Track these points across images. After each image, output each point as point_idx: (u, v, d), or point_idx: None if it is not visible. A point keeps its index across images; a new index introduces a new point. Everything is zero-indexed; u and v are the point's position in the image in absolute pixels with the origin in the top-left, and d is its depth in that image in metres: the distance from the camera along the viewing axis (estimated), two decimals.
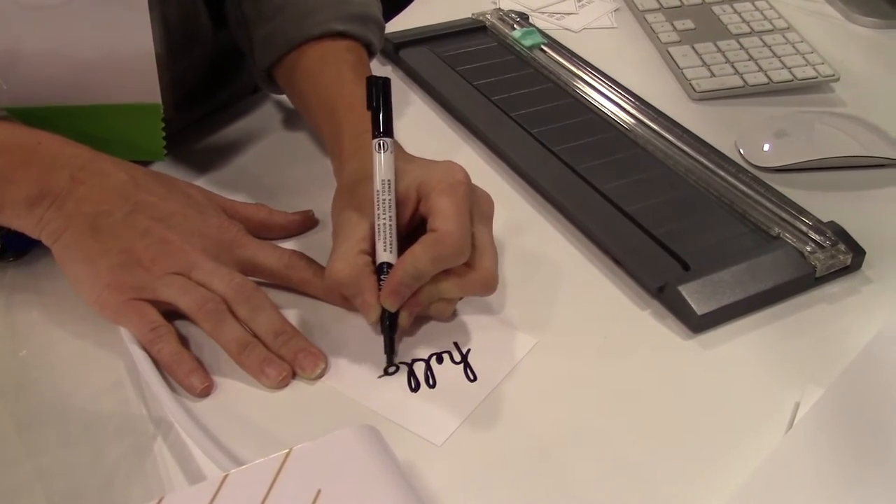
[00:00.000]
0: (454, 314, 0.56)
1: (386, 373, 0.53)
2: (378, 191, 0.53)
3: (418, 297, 0.53)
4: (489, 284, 0.53)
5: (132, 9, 0.57)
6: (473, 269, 0.53)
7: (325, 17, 0.67)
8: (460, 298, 0.56)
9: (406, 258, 0.51)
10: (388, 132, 0.55)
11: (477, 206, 0.54)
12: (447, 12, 0.93)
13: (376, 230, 0.53)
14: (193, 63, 0.72)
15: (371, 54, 0.70)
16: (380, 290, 0.52)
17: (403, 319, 0.53)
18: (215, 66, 0.75)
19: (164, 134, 0.62)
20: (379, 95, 0.56)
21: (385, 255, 0.53)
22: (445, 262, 0.52)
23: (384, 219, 0.53)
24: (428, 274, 0.52)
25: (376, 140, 0.55)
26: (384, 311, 0.52)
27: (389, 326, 0.53)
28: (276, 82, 0.71)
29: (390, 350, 0.53)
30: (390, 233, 0.53)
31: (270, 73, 0.70)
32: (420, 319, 0.56)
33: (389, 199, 0.53)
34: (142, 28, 0.58)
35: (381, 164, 0.54)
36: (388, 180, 0.54)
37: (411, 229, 0.55)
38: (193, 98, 0.74)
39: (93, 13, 0.57)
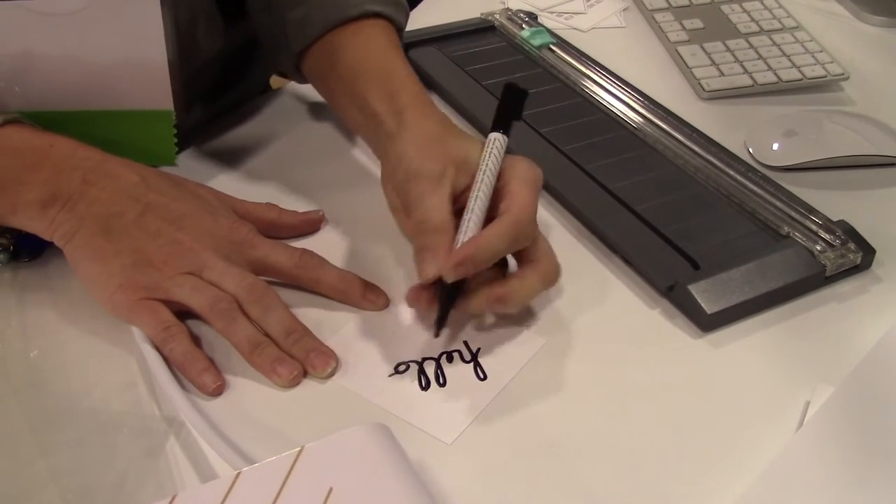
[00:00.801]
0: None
1: (397, 371, 0.53)
2: (481, 176, 0.54)
3: (508, 294, 0.54)
4: (559, 273, 0.55)
5: (145, 16, 0.58)
6: (543, 262, 0.54)
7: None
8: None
9: (485, 234, 0.52)
10: (507, 133, 0.57)
11: None
12: (456, 12, 0.93)
13: (468, 209, 0.53)
14: (204, 65, 0.72)
15: (400, 39, 0.70)
16: None
17: (476, 305, 0.54)
18: (225, 66, 0.75)
19: (175, 140, 0.62)
20: (520, 104, 0.58)
21: (467, 230, 0.53)
22: (519, 243, 0.53)
23: (477, 203, 0.53)
24: (500, 254, 0.52)
25: (496, 133, 0.56)
26: (442, 283, 0.52)
27: (448, 297, 0.53)
28: (300, 70, 0.70)
29: (440, 323, 0.53)
30: (479, 216, 0.53)
31: (298, 59, 0.69)
32: (430, 318, 0.56)
33: (490, 186, 0.54)
34: (154, 35, 0.58)
35: (494, 153, 0.55)
36: (493, 168, 0.55)
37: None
38: (203, 99, 0.74)
39: (106, 20, 0.58)
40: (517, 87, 0.58)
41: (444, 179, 0.54)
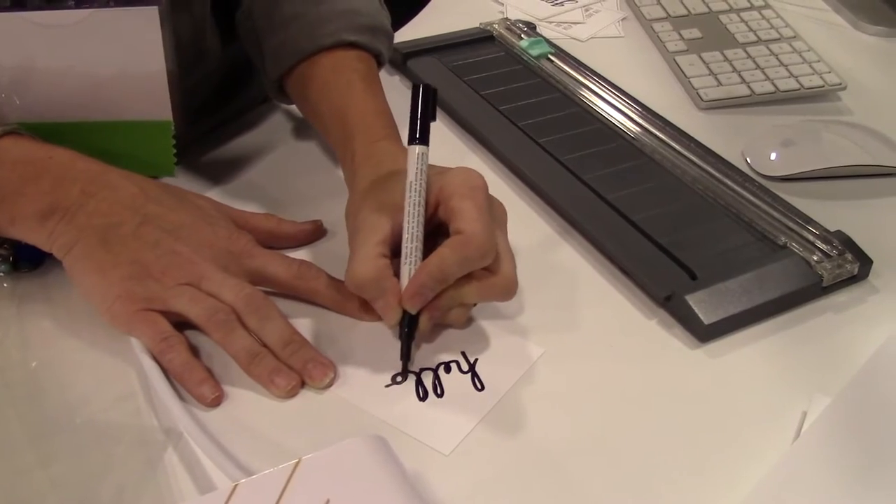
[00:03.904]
0: (469, 321, 0.57)
1: (394, 382, 0.53)
2: (410, 195, 0.53)
3: (439, 302, 0.53)
4: (509, 289, 0.54)
5: (145, 28, 0.58)
6: (494, 274, 0.53)
7: (336, 28, 0.67)
8: (475, 304, 0.56)
9: (431, 260, 0.52)
10: (425, 140, 0.55)
11: (492, 213, 0.54)
12: (455, 22, 0.94)
13: (405, 233, 0.53)
14: (204, 76, 0.73)
15: (380, 64, 0.71)
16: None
17: (423, 324, 0.53)
18: (225, 78, 0.76)
19: (174, 151, 0.63)
20: (427, 103, 0.56)
21: (411, 258, 0.53)
22: (472, 263, 0.52)
23: (413, 223, 0.53)
24: (453, 276, 0.52)
25: (413, 146, 0.55)
26: (404, 314, 0.53)
27: (408, 332, 0.53)
28: (286, 93, 0.71)
29: (406, 356, 0.53)
30: (419, 237, 0.53)
31: (281, 83, 0.71)
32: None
33: (420, 203, 0.53)
34: (154, 47, 0.59)
35: (416, 169, 0.54)
36: (421, 184, 0.54)
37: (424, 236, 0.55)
38: (203, 110, 0.74)
39: (106, 32, 0.58)
40: (428, 86, 0.57)
41: (375, 231, 0.53)
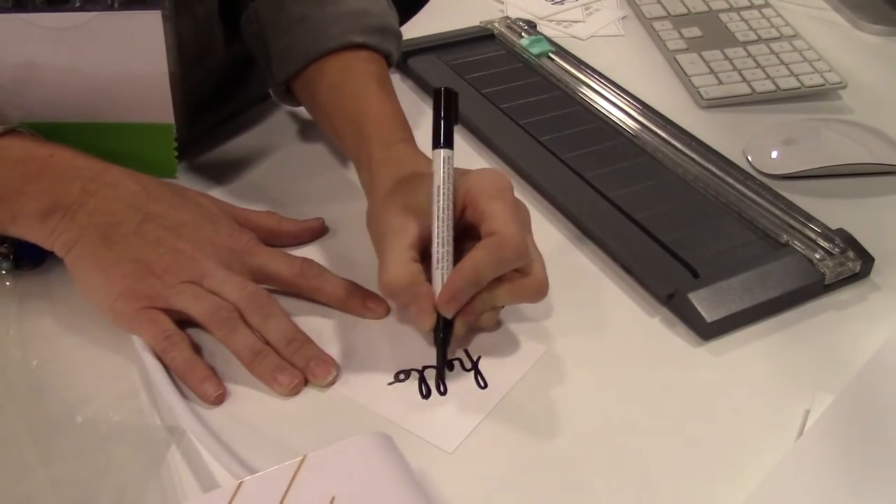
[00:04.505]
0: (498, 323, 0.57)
1: (397, 379, 0.53)
2: (438, 199, 0.53)
3: (473, 306, 0.53)
4: (541, 290, 0.53)
5: (148, 31, 0.58)
6: (526, 276, 0.53)
7: (344, 30, 0.67)
8: (503, 307, 0.56)
9: (465, 263, 0.51)
10: (450, 144, 0.55)
11: (518, 214, 0.54)
12: (455, 21, 0.94)
13: (435, 238, 0.52)
14: (206, 76, 0.73)
15: (389, 65, 0.70)
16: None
17: (459, 328, 0.53)
18: (227, 77, 0.76)
19: (176, 153, 0.63)
20: (449, 106, 0.56)
21: (444, 262, 0.52)
22: (507, 265, 0.52)
23: (443, 227, 0.53)
24: (488, 278, 0.52)
25: (439, 150, 0.54)
26: (439, 319, 0.52)
27: (443, 337, 0.53)
28: (293, 95, 0.71)
29: (442, 362, 0.53)
30: (449, 241, 0.53)
31: (288, 85, 0.70)
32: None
33: (449, 207, 0.53)
34: (157, 50, 0.59)
35: (443, 172, 0.54)
36: (449, 188, 0.53)
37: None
38: (204, 109, 0.74)
39: (109, 34, 0.58)
40: (449, 89, 0.57)
41: (403, 234, 0.53)
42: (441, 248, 0.52)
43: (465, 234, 0.54)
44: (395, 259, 0.52)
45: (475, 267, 0.51)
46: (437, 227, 0.53)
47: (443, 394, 0.52)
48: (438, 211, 0.53)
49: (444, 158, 0.54)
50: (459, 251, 0.53)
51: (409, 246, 0.53)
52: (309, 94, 0.69)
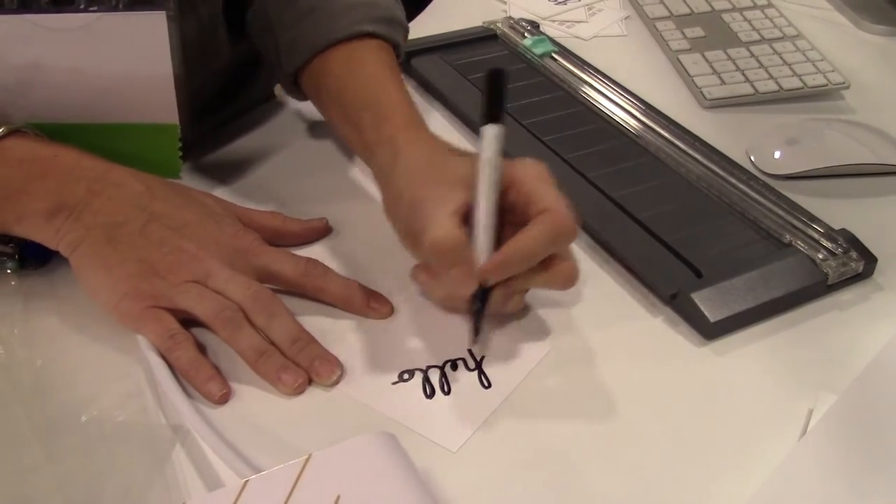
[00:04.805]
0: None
1: (401, 379, 0.53)
2: (487, 171, 0.53)
3: (512, 282, 0.53)
4: (573, 277, 0.53)
5: (152, 32, 0.58)
6: (563, 261, 0.53)
7: (353, 20, 0.67)
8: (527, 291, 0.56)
9: (521, 236, 0.51)
10: (500, 119, 0.55)
11: None
12: (458, 21, 0.94)
13: (480, 209, 0.52)
14: (210, 76, 0.73)
15: (397, 56, 0.70)
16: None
17: (496, 300, 0.53)
18: (231, 77, 0.76)
19: (180, 154, 0.63)
20: (501, 85, 0.56)
21: (488, 233, 0.52)
22: (560, 242, 0.52)
23: (489, 200, 0.52)
24: (540, 255, 0.52)
25: (493, 126, 0.55)
26: (478, 287, 0.52)
27: (480, 306, 0.53)
28: (300, 88, 0.71)
29: (476, 330, 0.53)
30: (494, 213, 0.52)
31: (296, 77, 0.70)
32: (434, 326, 0.56)
33: (497, 181, 0.53)
34: (161, 51, 0.59)
35: (495, 147, 0.54)
36: (499, 163, 0.54)
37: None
38: (208, 110, 0.74)
39: (114, 35, 0.58)
40: (502, 70, 0.57)
41: (447, 200, 0.53)
42: (486, 219, 0.52)
43: (502, 218, 0.54)
44: (443, 220, 0.51)
45: (532, 240, 0.51)
46: (484, 199, 0.53)
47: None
48: (485, 184, 0.53)
49: (496, 134, 0.55)
50: (496, 235, 0.53)
51: (456, 209, 0.52)
52: (318, 84, 0.68)
